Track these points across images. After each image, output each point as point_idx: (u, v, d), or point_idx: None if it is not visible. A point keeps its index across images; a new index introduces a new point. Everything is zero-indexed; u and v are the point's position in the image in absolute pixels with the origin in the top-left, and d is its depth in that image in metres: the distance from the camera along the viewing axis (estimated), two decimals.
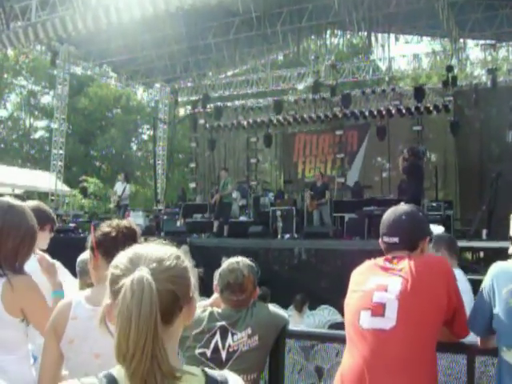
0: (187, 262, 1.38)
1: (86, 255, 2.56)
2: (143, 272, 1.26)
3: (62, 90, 21.39)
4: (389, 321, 2.19)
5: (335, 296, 9.46)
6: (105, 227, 2.48)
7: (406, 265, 2.28)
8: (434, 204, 14.40)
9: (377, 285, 2.29)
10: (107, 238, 2.43)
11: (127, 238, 2.39)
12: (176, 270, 1.32)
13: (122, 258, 1.35)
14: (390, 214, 2.55)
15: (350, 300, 2.41)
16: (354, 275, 2.47)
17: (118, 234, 2.42)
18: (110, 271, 1.35)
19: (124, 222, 2.51)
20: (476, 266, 11.42)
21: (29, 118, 36.80)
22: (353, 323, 2.31)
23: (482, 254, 12.48)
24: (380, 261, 2.40)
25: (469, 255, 12.88)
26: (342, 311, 6.52)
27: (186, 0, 12.07)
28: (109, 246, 2.38)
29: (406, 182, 12.34)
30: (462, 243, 10.20)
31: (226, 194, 14.75)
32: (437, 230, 4.27)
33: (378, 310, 2.23)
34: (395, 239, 2.47)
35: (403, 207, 2.56)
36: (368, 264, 2.44)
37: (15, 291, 2.35)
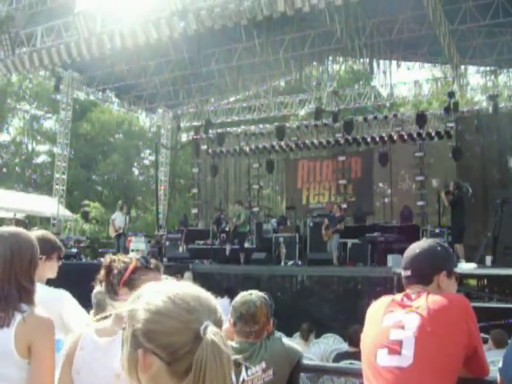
0: None
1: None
2: (214, 329, 1.12)
3: (65, 115, 21.45)
4: (406, 359, 2.15)
5: (338, 323, 9.46)
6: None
7: (423, 302, 2.25)
8: (437, 230, 14.37)
9: (394, 322, 2.25)
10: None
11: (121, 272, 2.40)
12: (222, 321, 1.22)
13: (169, 303, 1.16)
14: (409, 248, 2.53)
15: (367, 337, 2.36)
16: (371, 311, 2.42)
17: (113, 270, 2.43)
18: (157, 319, 1.14)
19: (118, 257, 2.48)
20: (480, 293, 11.36)
21: (31, 142, 36.82)
22: (369, 361, 2.27)
23: (486, 281, 12.42)
24: (398, 297, 2.36)
25: (473, 282, 12.82)
26: (345, 339, 6.45)
27: (191, 26, 12.12)
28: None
29: (451, 214, 13.03)
30: (466, 270, 10.17)
31: (239, 224, 15.07)
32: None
33: (395, 347, 2.19)
34: (408, 272, 2.46)
35: (422, 242, 2.54)
36: (385, 300, 2.39)
37: (27, 328, 2.24)
